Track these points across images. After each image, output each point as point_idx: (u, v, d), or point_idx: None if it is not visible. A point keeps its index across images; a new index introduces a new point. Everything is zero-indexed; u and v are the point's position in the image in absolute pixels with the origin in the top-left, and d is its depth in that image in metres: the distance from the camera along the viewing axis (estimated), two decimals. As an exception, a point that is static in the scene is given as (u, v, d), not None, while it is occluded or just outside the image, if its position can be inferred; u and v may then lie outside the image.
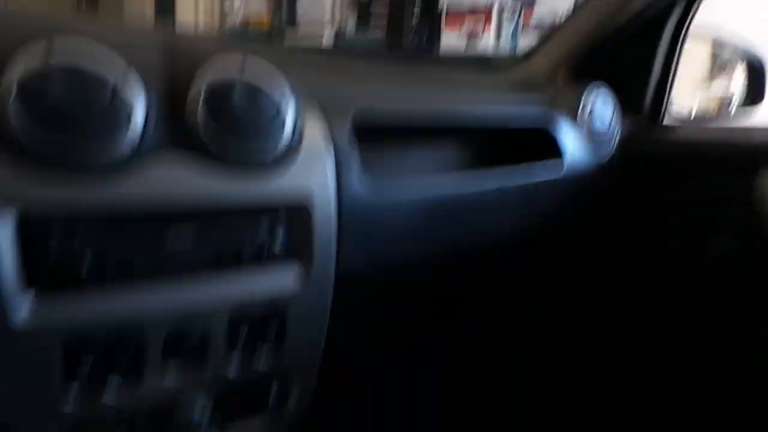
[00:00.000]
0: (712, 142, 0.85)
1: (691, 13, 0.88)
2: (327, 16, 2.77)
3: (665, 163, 0.87)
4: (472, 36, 2.15)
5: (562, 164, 0.73)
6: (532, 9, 1.97)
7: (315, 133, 0.46)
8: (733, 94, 1.02)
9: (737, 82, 1.01)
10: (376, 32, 2.53)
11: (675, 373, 0.82)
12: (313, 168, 0.45)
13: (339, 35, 2.72)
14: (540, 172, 0.69)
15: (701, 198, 0.85)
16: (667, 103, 0.93)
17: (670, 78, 0.92)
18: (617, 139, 0.82)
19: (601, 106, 0.83)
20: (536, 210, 0.75)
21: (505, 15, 2.06)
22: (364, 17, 2.61)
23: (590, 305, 0.87)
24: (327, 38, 2.79)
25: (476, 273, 0.74)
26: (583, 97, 0.81)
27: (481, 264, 0.72)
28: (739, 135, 0.83)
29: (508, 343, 0.90)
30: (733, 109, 1.00)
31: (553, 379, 0.92)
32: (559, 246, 0.84)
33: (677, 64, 0.92)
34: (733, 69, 1.02)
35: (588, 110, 0.81)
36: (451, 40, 2.24)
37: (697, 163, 0.85)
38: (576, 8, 0.92)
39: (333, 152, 0.48)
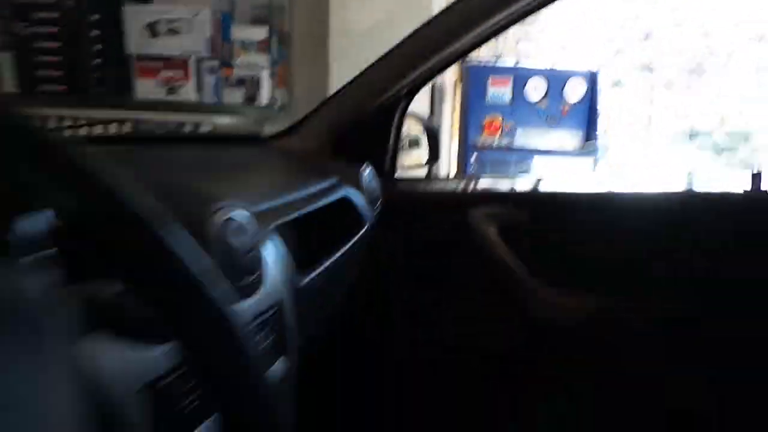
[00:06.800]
0: (435, 191, 1.28)
1: (410, 102, 1.28)
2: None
3: (405, 206, 1.26)
4: (170, 86, 2.20)
5: (364, 224, 1.01)
6: (232, 68, 2.17)
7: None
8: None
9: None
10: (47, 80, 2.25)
11: None
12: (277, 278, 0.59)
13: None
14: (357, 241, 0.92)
15: (431, 227, 1.26)
16: (394, 165, 1.32)
17: (398, 148, 1.30)
18: (380, 197, 1.16)
19: (370, 177, 1.15)
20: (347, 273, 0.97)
21: (204, 69, 2.19)
22: (24, 56, 2.27)
23: None
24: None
25: None
26: (361, 172, 1.12)
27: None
28: (450, 184, 1.28)
29: None
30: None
31: None
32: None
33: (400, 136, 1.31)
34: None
35: (366, 181, 1.12)
36: (147, 88, 2.22)
37: (426, 205, 1.26)
38: (335, 94, 1.20)
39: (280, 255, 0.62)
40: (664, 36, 2.95)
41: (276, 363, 0.55)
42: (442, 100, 2.32)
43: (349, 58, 2.04)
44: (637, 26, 2.96)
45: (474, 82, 2.41)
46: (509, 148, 2.39)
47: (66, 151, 0.22)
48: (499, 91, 2.40)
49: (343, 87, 1.18)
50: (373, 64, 1.15)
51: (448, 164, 2.36)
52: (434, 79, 1.26)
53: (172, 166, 0.76)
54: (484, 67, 2.41)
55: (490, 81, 2.40)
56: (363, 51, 1.99)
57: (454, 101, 2.43)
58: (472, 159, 2.38)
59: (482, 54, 2.43)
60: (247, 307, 0.49)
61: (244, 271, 0.48)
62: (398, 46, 1.11)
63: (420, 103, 2.34)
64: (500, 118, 2.40)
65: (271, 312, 0.54)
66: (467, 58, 2.42)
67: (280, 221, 0.69)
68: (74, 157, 0.22)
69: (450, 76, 2.36)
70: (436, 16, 1.10)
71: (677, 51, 2.92)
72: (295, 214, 0.73)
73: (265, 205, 0.68)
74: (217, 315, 0.27)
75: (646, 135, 3.00)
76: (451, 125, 2.42)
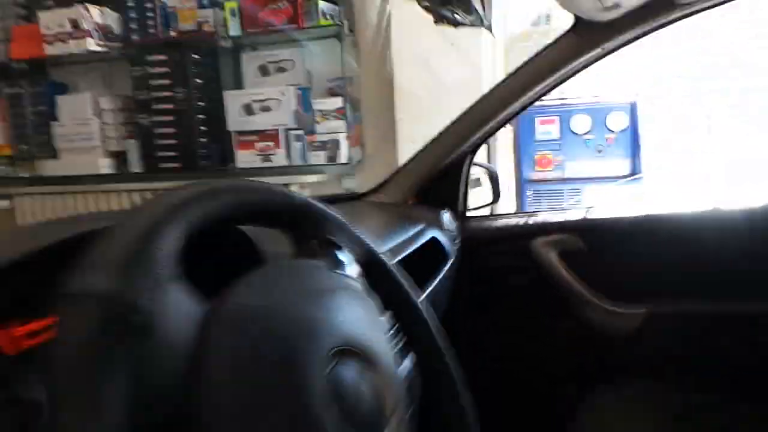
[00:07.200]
0: (506, 225, 1.54)
1: (475, 155, 1.54)
2: (96, 142, 2.78)
3: (478, 242, 1.52)
4: (265, 154, 2.62)
5: (449, 258, 1.28)
6: (315, 134, 2.57)
7: None
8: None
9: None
10: (165, 159, 2.73)
11: None
12: None
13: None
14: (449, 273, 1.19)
15: (501, 259, 1.51)
16: (466, 207, 1.59)
17: (467, 192, 1.57)
18: (458, 235, 1.43)
19: (449, 219, 1.43)
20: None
21: (292, 137, 2.61)
22: (147, 142, 2.77)
23: None
24: (105, 168, 2.80)
25: None
26: (442, 216, 1.39)
27: None
28: (514, 219, 1.55)
29: None
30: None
31: None
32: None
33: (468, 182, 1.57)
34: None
35: (446, 222, 1.39)
36: (246, 158, 2.65)
37: (497, 237, 1.51)
38: (413, 157, 1.49)
39: None
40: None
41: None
42: (496, 141, 2.62)
43: (411, 119, 2.39)
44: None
45: (523, 124, 2.70)
46: (561, 180, 2.65)
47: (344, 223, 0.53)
48: (547, 128, 2.68)
49: (419, 151, 1.48)
50: (443, 130, 1.43)
51: (507, 198, 2.64)
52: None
53: None
54: (531, 110, 2.70)
55: (537, 121, 2.69)
56: (423, 111, 2.33)
57: (508, 141, 2.72)
58: (528, 192, 2.65)
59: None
60: None
61: None
62: (463, 114, 1.39)
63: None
64: (550, 153, 2.67)
65: None
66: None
67: (395, 260, 1.00)
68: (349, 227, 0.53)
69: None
70: (492, 89, 1.38)
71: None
72: (403, 254, 0.94)
73: (382, 248, 1.00)
74: (416, 304, 0.57)
75: (692, 159, 3.16)
76: (507, 162, 2.71)
